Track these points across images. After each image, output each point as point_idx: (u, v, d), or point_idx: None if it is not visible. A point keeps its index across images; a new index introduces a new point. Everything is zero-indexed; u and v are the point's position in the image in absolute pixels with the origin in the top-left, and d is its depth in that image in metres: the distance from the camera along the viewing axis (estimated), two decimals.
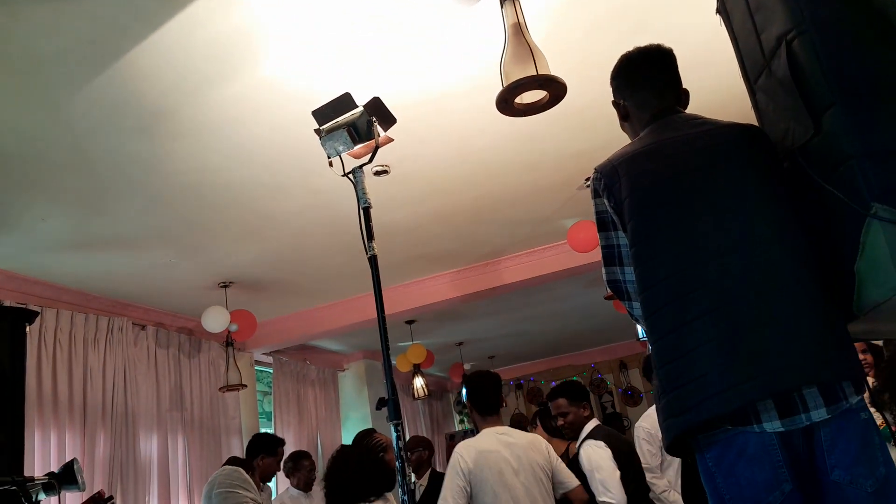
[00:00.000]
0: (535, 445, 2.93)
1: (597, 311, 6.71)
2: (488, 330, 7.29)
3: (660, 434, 1.51)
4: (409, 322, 6.21)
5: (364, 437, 2.91)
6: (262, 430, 5.78)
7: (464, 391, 3.06)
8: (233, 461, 3.68)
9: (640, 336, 5.32)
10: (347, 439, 6.73)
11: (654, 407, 2.33)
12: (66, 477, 2.56)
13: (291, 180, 3.27)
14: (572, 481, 2.95)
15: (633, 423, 9.21)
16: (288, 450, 5.77)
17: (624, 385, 9.73)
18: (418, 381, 6.87)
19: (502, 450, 2.83)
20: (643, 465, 3.29)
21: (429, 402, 9.10)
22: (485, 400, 2.97)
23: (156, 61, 2.31)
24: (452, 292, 5.15)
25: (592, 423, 3.32)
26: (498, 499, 2.71)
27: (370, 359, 7.32)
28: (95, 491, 3.80)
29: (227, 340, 4.65)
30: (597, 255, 4.56)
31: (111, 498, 2.66)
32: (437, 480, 4.53)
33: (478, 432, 2.96)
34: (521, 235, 4.59)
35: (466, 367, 8.31)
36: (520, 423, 10.12)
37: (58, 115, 2.49)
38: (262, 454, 4.00)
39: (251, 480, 2.79)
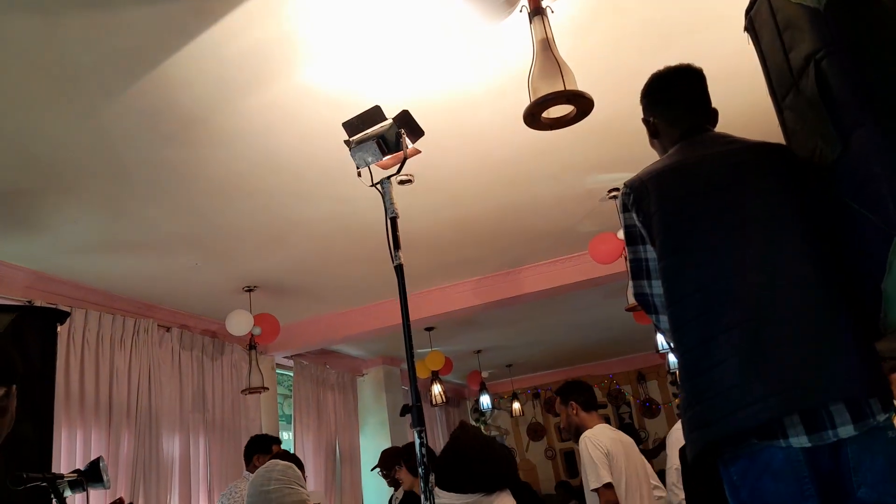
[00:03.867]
0: (633, 442, 3.26)
1: (616, 322, 6.68)
2: (507, 339, 7.29)
3: None
4: (429, 329, 6.23)
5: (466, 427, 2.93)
6: (282, 433, 5.82)
7: (565, 395, 3.35)
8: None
9: (660, 348, 5.29)
10: (366, 444, 6.78)
11: None
12: (92, 475, 2.61)
13: (318, 188, 3.31)
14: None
15: (650, 434, 9.19)
16: (308, 453, 5.84)
17: (642, 396, 9.67)
18: (436, 388, 6.88)
19: (622, 440, 3.17)
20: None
21: (446, 408, 9.12)
22: (589, 396, 3.29)
23: (189, 71, 2.36)
24: (472, 300, 5.17)
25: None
26: (627, 484, 2.98)
27: (388, 364, 7.36)
28: (119, 494, 3.88)
29: (251, 343, 4.70)
30: (617, 266, 4.57)
31: None
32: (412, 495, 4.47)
33: (584, 427, 3.22)
34: (542, 245, 4.60)
35: (484, 374, 8.32)
36: (536, 431, 10.12)
37: (92, 122, 2.56)
38: (258, 454, 4.05)
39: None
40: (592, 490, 2.98)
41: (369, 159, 1.85)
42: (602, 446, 3.04)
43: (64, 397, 3.73)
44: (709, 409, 1.38)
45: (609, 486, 2.93)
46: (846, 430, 1.31)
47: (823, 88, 1.39)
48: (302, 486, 2.57)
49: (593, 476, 2.97)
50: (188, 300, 4.68)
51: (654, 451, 7.92)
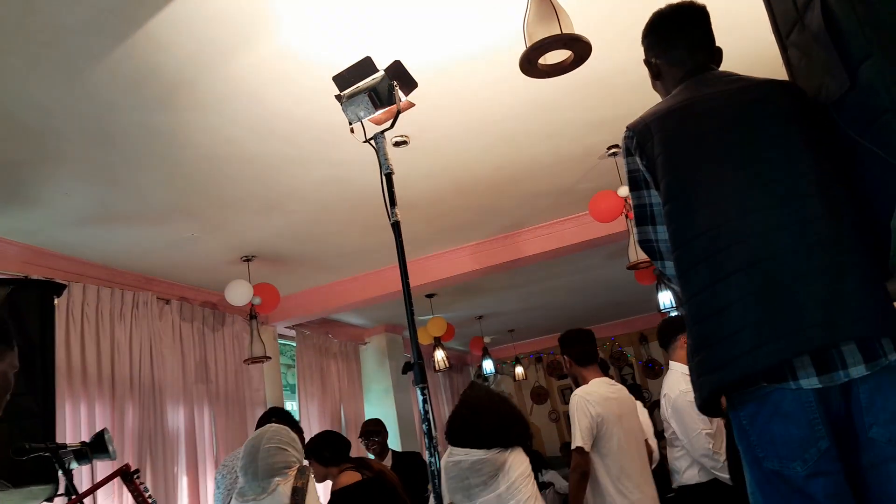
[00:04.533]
0: (631, 397, 3.24)
1: (617, 283, 6.67)
2: (508, 303, 7.29)
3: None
4: (430, 296, 6.22)
5: (475, 386, 2.95)
6: (287, 402, 5.84)
7: (561, 345, 3.29)
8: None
9: (662, 308, 5.27)
10: (370, 411, 6.83)
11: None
12: (97, 446, 2.62)
13: (312, 153, 3.26)
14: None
15: (653, 395, 9.25)
16: (313, 421, 5.87)
17: (644, 357, 9.71)
18: (439, 354, 6.91)
19: (617, 397, 3.10)
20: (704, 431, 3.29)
21: (449, 374, 9.17)
22: (583, 349, 3.20)
23: (174, 31, 2.30)
24: (472, 265, 5.14)
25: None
26: (619, 442, 2.96)
27: (391, 332, 7.37)
28: (124, 462, 3.90)
29: (251, 314, 4.69)
30: (617, 226, 4.51)
31: (137, 471, 2.71)
32: (399, 460, 4.50)
33: (582, 382, 3.16)
34: (541, 207, 4.56)
35: (487, 340, 8.34)
36: (539, 395, 10.19)
37: (78, 87, 2.50)
38: None
39: (299, 442, 2.72)
40: (571, 449, 3.00)
41: (362, 114, 1.80)
42: (590, 407, 2.96)
43: (66, 371, 3.73)
44: (716, 353, 1.35)
45: (580, 450, 2.90)
46: (857, 370, 1.29)
47: (829, 21, 1.34)
48: (294, 449, 2.55)
49: (572, 436, 2.99)
50: (186, 272, 4.65)
51: (651, 407, 7.96)
